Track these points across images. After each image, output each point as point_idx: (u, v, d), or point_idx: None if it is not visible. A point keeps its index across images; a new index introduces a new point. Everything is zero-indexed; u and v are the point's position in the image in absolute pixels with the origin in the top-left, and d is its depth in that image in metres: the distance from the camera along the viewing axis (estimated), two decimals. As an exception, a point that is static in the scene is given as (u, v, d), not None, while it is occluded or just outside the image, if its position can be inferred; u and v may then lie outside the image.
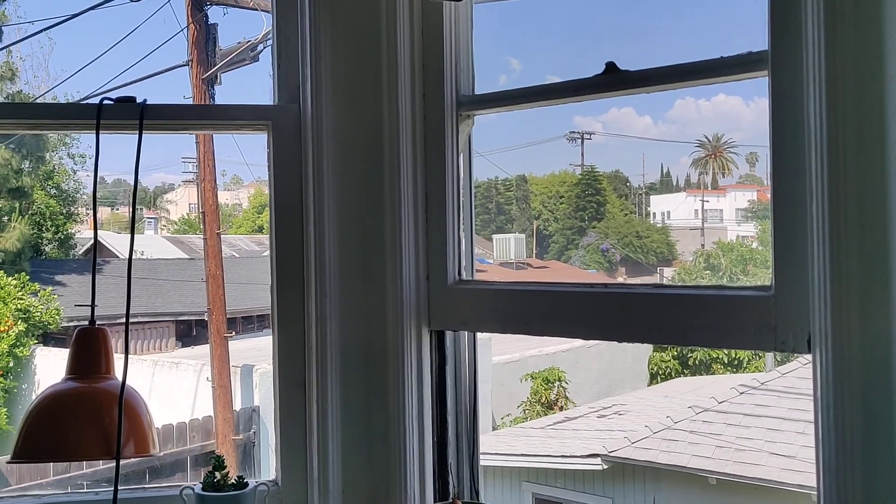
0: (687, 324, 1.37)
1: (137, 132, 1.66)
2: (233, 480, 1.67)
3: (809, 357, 1.26)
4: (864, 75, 1.21)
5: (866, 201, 1.21)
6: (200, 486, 1.66)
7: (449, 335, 1.71)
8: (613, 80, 1.49)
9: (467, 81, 1.70)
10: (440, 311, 1.67)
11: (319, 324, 1.68)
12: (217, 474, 1.67)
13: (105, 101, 1.67)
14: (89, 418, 1.50)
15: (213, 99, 9.21)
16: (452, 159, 1.68)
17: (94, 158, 1.61)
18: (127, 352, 1.55)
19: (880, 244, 1.20)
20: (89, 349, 1.56)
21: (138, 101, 1.68)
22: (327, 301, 1.68)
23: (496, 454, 8.95)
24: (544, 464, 8.96)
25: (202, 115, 1.74)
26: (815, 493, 1.24)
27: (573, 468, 8.73)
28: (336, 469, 1.68)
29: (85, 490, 1.75)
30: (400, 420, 1.67)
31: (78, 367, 1.55)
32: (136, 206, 1.97)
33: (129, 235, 1.72)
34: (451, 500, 1.65)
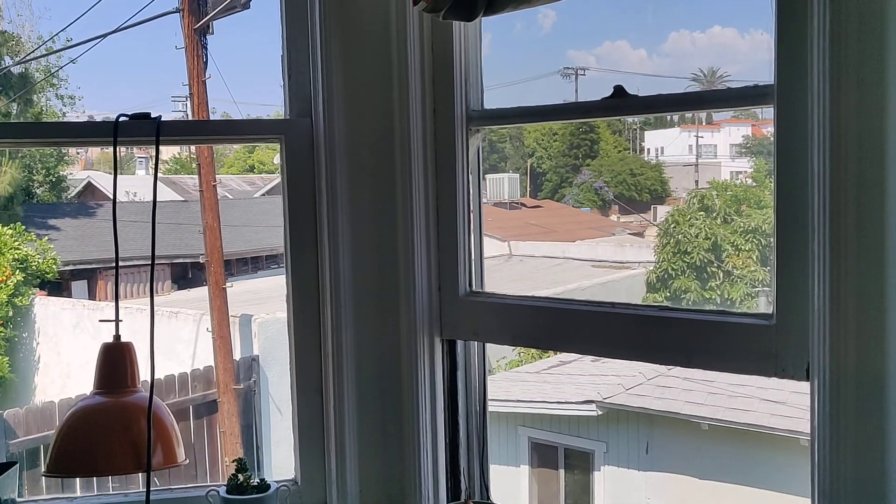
0: (691, 347, 1.44)
1: (154, 147, 1.69)
2: (255, 482, 1.75)
3: (807, 385, 1.33)
4: (867, 117, 1.25)
5: (865, 237, 1.26)
6: (225, 488, 1.74)
7: (460, 343, 1.78)
8: (622, 104, 1.53)
9: (476, 96, 1.73)
10: (451, 321, 1.73)
11: (335, 333, 1.74)
12: (240, 476, 1.75)
13: (122, 118, 1.70)
14: (119, 433, 1.57)
15: (206, 49, 9.11)
16: (462, 173, 1.72)
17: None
18: (153, 375, 1.60)
19: (877, 279, 1.26)
20: (115, 364, 1.63)
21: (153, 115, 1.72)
22: (342, 312, 1.74)
23: (493, 400, 9.12)
24: (540, 409, 9.15)
25: (216, 131, 1.77)
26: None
27: (568, 414, 8.92)
28: (353, 470, 1.77)
29: (113, 492, 1.84)
30: (414, 423, 1.74)
31: (105, 383, 1.61)
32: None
33: (151, 243, 1.76)
34: (463, 500, 1.73)
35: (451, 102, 1.70)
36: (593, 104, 1.57)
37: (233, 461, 1.76)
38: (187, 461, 1.63)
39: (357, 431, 1.77)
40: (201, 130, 1.75)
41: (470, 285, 1.74)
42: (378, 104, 1.73)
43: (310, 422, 1.79)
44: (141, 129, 1.70)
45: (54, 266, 12.70)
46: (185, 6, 9.08)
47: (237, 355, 9.65)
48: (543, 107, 1.64)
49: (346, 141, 1.73)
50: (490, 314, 1.70)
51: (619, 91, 1.54)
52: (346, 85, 1.73)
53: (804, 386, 1.33)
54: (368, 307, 1.76)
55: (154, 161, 1.72)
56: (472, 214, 1.74)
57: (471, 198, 1.73)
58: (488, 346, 1.84)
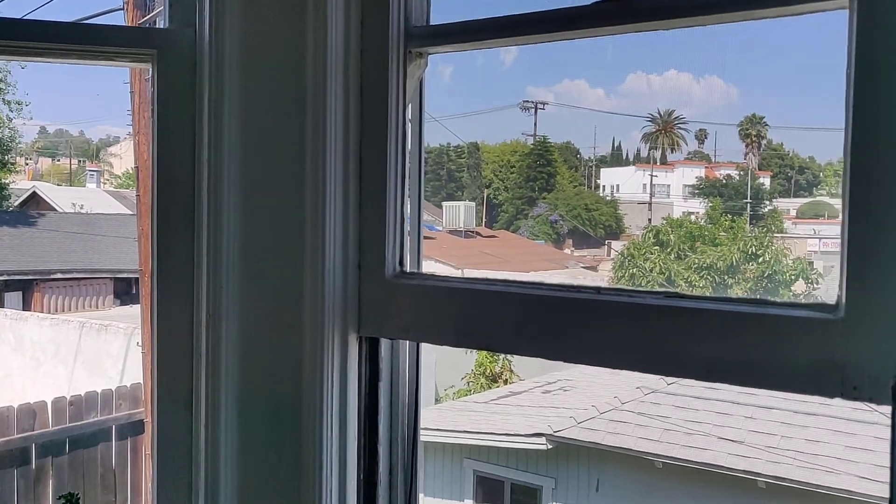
0: (712, 352, 0.99)
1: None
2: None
3: (888, 410, 0.89)
4: None
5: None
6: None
7: (385, 342, 1.31)
8: (619, 9, 1.09)
9: (420, 8, 1.28)
10: (374, 311, 1.27)
11: (213, 325, 1.27)
12: (70, 518, 1.26)
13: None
14: None
15: (149, 45, 8.59)
16: (397, 112, 1.26)
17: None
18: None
19: None
20: None
21: None
22: (223, 295, 1.26)
23: (438, 430, 8.64)
24: (487, 441, 8.69)
25: (51, 37, 1.27)
26: None
27: (516, 447, 8.47)
28: (230, 513, 1.28)
29: None
30: (316, 452, 1.27)
31: None
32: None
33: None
34: (379, 560, 1.26)
35: (384, 14, 1.25)
36: (581, 10, 1.13)
37: (59, 497, 1.27)
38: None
39: (237, 460, 1.29)
40: (29, 34, 1.26)
41: (401, 263, 1.27)
42: (286, 13, 1.27)
43: (174, 446, 1.31)
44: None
45: (-21, 272, 11.97)
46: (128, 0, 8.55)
47: (168, 373, 9.03)
48: (513, 17, 1.20)
49: (240, 61, 1.27)
50: (427, 303, 1.24)
51: (617, -8, 1.10)
52: (246, -13, 1.28)
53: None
54: (260, 289, 1.28)
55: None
56: (408, 167, 1.28)
57: (408, 144, 1.28)
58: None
